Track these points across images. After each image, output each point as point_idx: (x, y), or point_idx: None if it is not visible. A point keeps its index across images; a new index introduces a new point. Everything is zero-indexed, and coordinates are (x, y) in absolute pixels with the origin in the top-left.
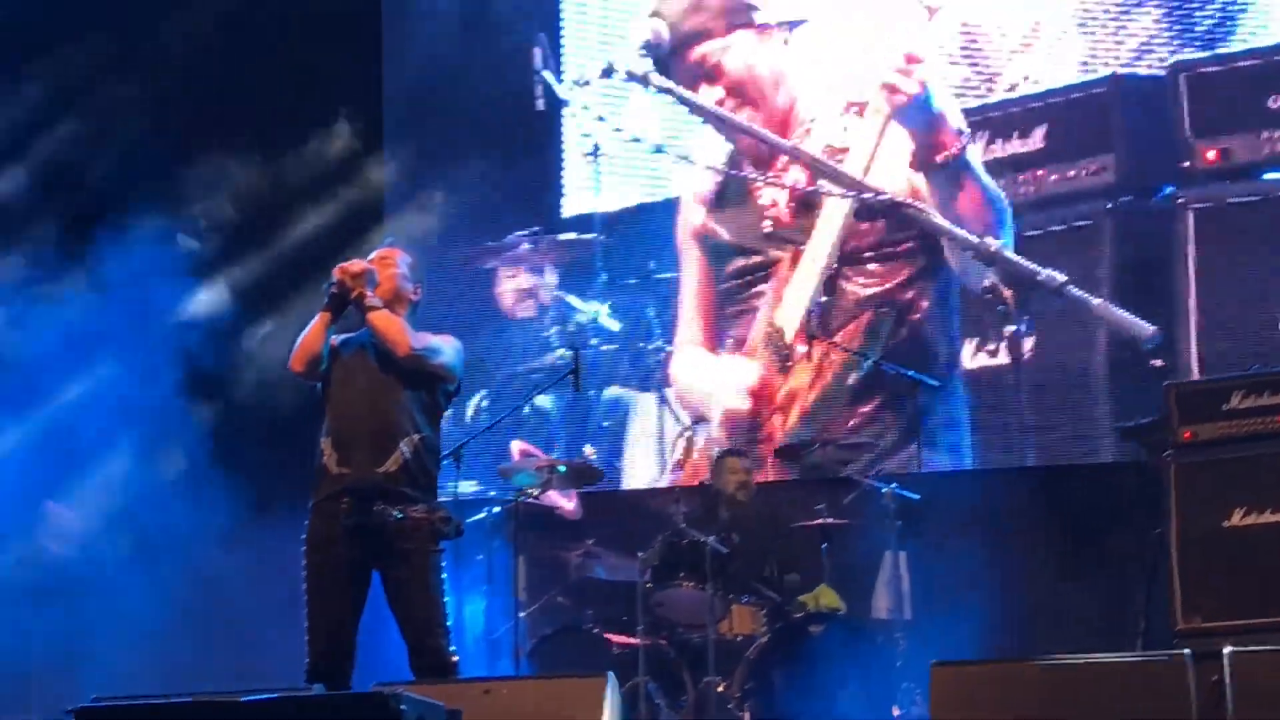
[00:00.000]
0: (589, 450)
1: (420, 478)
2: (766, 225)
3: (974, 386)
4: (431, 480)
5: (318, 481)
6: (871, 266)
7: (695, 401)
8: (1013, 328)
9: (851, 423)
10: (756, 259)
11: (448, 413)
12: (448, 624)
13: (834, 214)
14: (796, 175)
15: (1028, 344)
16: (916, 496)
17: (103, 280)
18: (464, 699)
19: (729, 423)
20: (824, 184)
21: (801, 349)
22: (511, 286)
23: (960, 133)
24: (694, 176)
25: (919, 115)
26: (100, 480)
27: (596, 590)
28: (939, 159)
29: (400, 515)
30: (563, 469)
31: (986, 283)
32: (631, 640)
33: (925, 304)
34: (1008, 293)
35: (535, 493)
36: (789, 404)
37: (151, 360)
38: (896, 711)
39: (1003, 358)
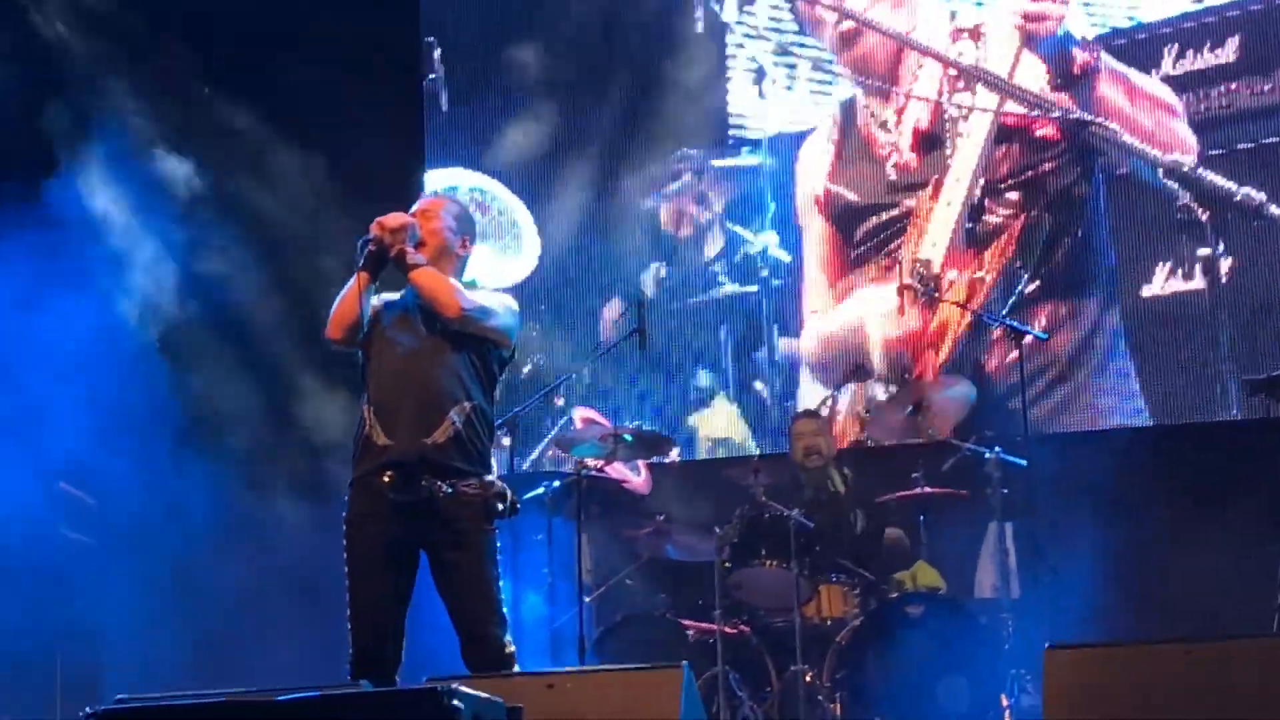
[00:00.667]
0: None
1: (472, 449)
2: (891, 174)
3: (1148, 317)
4: (484, 452)
5: (359, 454)
6: (1012, 195)
7: (836, 359)
8: (1207, 250)
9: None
10: (889, 214)
11: (503, 378)
12: (504, 611)
13: (972, 142)
14: (918, 114)
15: (1224, 266)
16: (1023, 462)
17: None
18: (525, 694)
19: (884, 364)
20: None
21: (952, 275)
22: (674, 212)
23: (1088, 43)
24: (812, 144)
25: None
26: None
27: (669, 572)
28: (1075, 71)
29: (450, 490)
30: (629, 438)
31: (1179, 203)
32: (709, 626)
33: (1075, 229)
34: (1203, 213)
35: (599, 464)
36: (939, 338)
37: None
38: (1005, 702)
39: (1197, 282)
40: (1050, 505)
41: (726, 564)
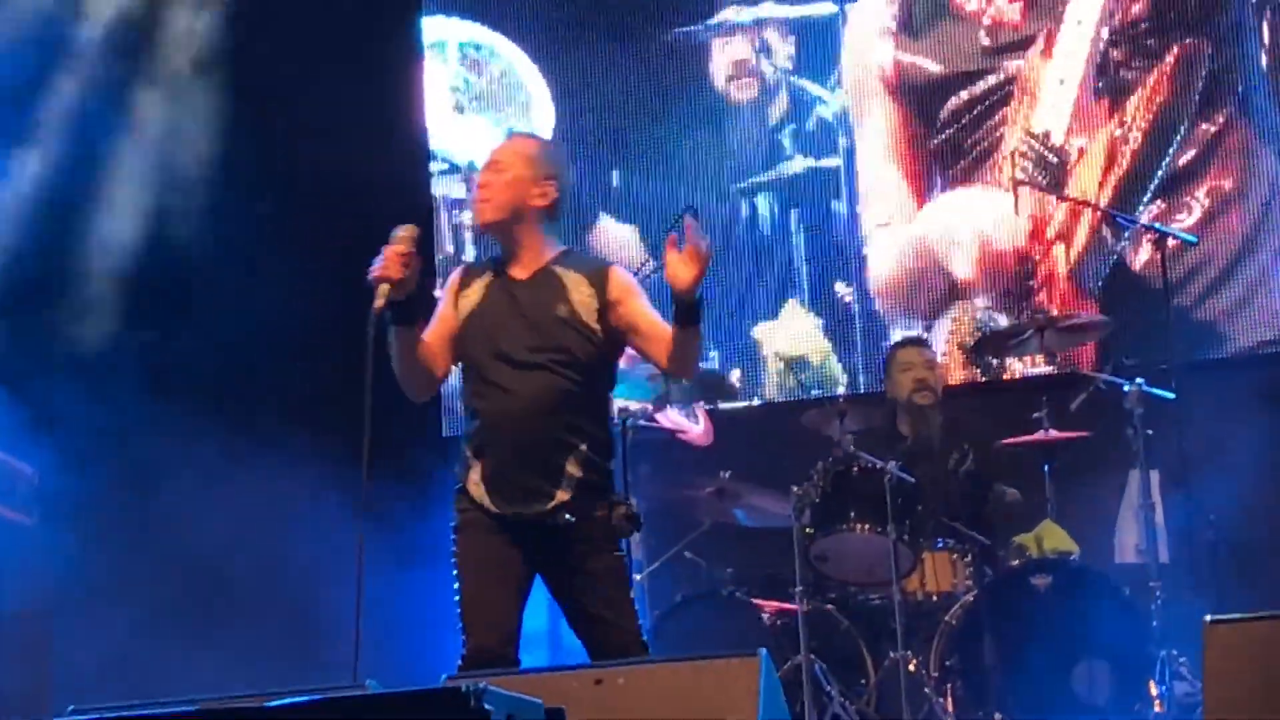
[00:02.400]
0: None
1: (595, 486)
2: (985, 37)
3: None
4: (606, 483)
5: (460, 497)
6: (1151, 41)
7: (916, 286)
8: None
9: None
10: (984, 84)
11: None
12: (643, 640)
13: None
14: None
15: None
16: (1171, 395)
17: None
18: (569, 693)
19: (988, 281)
20: None
21: (1077, 144)
22: (728, 67)
23: None
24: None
25: None
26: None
27: (738, 541)
28: None
29: (571, 518)
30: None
31: None
32: (788, 607)
33: (1236, 79)
34: None
35: (649, 411)
36: (1072, 226)
37: None
38: (1154, 690)
39: None
40: (1206, 449)
41: (808, 530)
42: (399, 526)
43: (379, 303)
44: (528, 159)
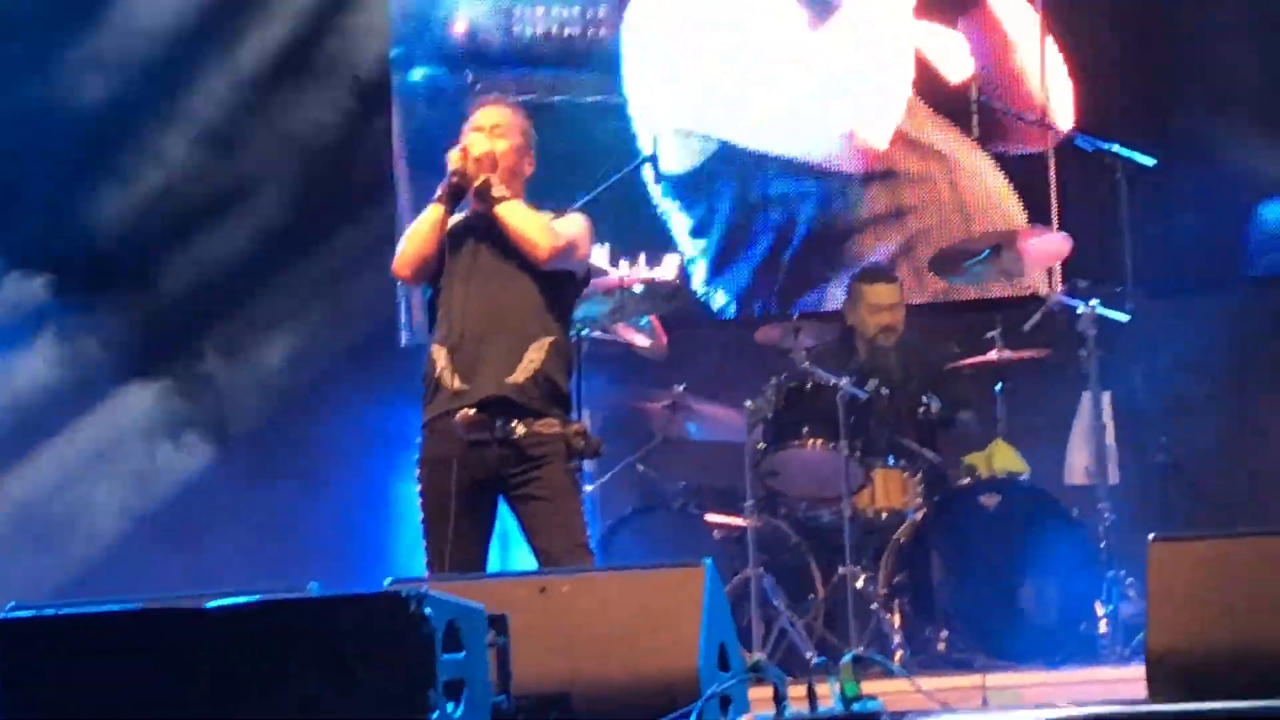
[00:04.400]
0: None
1: (552, 387)
2: None
3: None
4: (564, 392)
5: (430, 396)
6: None
7: None
8: None
9: None
10: None
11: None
12: (590, 549)
13: None
14: None
15: None
16: (1126, 317)
17: None
18: (513, 599)
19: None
20: None
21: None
22: None
23: None
24: None
25: None
26: None
27: (690, 454)
28: None
29: (526, 429)
30: (639, 289)
31: None
32: (739, 521)
33: None
34: None
35: (605, 324)
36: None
37: None
38: (1100, 610)
39: None
40: (1159, 371)
41: (760, 445)
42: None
43: (454, 179)
44: (522, 130)
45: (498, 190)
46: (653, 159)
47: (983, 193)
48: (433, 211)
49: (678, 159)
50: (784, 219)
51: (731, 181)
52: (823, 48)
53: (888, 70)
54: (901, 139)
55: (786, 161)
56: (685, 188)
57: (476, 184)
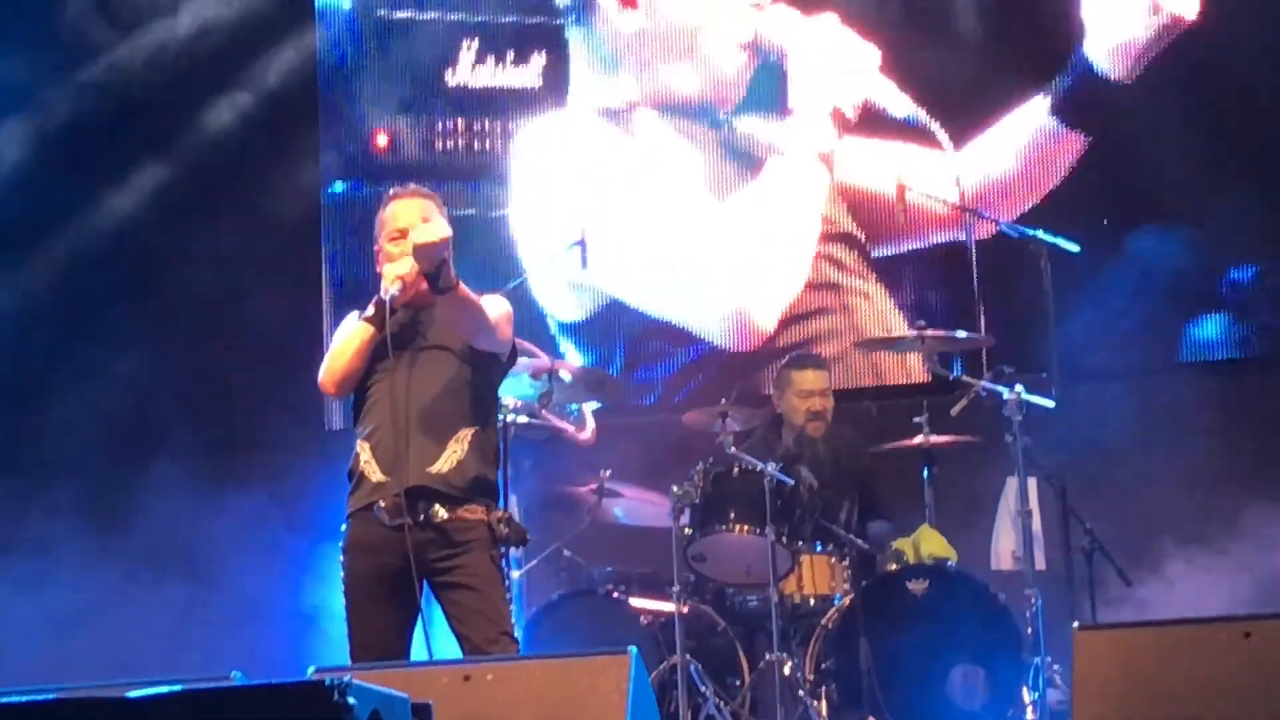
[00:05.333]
0: None
1: (475, 477)
2: None
3: None
4: (488, 481)
5: (354, 488)
6: None
7: None
8: None
9: None
10: None
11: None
12: (515, 636)
13: None
14: None
15: None
16: (1052, 403)
17: None
18: (437, 688)
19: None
20: None
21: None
22: None
23: None
24: None
25: None
26: None
27: (617, 539)
28: None
29: (449, 516)
30: (568, 376)
31: None
32: (665, 606)
33: None
34: None
35: (534, 409)
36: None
37: None
38: (1028, 697)
39: None
40: (1084, 457)
41: (687, 530)
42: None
43: (397, 304)
44: (444, 214)
45: (447, 279)
46: (580, 244)
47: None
48: (362, 331)
49: (569, 309)
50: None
51: (622, 341)
52: (729, 219)
53: (794, 249)
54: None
55: (677, 331)
56: (578, 333)
57: (423, 270)
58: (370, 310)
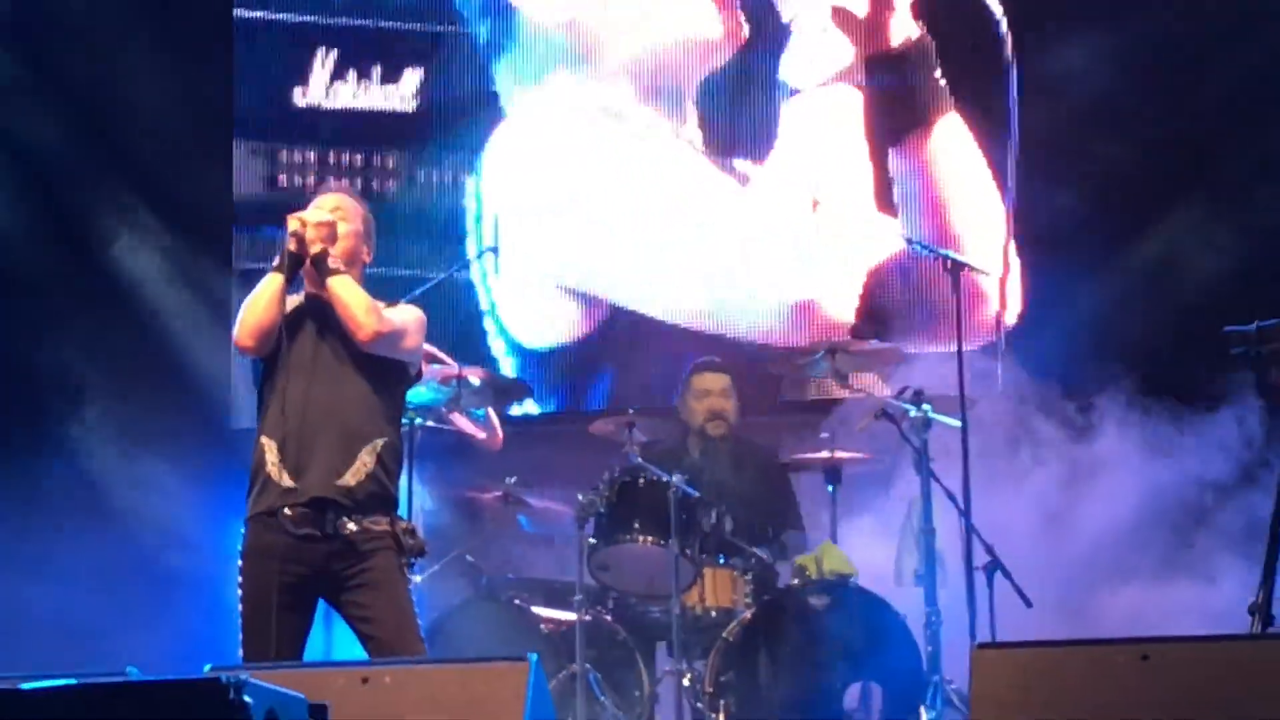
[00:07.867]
0: None
1: (382, 489)
2: None
3: None
4: (392, 495)
5: (257, 490)
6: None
7: None
8: None
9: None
10: None
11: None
12: (424, 647)
13: None
14: None
15: None
16: (958, 423)
17: None
18: (334, 690)
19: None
20: None
21: None
22: None
23: None
24: None
25: None
26: None
27: (521, 546)
28: None
29: (357, 527)
30: (477, 381)
31: None
32: (567, 616)
33: None
34: None
35: (440, 413)
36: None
37: None
38: (925, 715)
39: None
40: (988, 477)
41: (591, 539)
42: None
43: (291, 245)
44: (364, 218)
45: (334, 261)
46: (494, 250)
47: None
48: (271, 280)
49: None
50: None
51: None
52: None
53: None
54: None
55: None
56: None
57: (314, 251)
58: (275, 260)
